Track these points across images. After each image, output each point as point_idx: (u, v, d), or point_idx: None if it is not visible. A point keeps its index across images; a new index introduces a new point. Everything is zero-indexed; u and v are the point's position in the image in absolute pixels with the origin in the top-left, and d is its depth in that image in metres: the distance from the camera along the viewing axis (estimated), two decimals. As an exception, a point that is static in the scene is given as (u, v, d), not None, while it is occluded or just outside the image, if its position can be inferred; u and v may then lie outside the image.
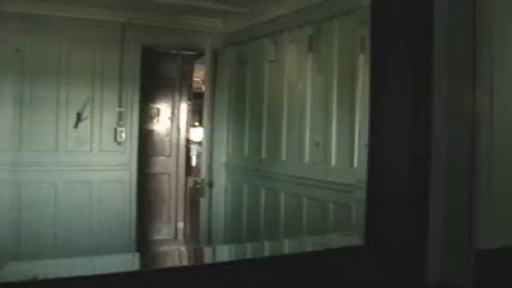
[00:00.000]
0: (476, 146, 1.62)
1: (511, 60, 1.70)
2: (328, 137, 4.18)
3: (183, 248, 5.85)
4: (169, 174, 6.62)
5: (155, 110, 6.53)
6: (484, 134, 1.62)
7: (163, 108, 6.53)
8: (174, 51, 6.36)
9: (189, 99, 6.76)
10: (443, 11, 1.65)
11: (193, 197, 5.81)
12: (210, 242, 5.49)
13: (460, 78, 1.67)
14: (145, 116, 6.15)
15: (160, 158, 6.55)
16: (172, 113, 6.59)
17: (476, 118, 1.63)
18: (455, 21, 1.66)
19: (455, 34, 1.67)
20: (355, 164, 3.79)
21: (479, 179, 1.62)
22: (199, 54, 6.23)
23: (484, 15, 1.63)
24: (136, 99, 5.40)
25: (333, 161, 4.14)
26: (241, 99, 5.39)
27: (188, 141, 6.82)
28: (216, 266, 1.56)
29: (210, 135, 5.42)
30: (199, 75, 7.13)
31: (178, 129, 6.66)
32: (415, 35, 1.64)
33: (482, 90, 1.63)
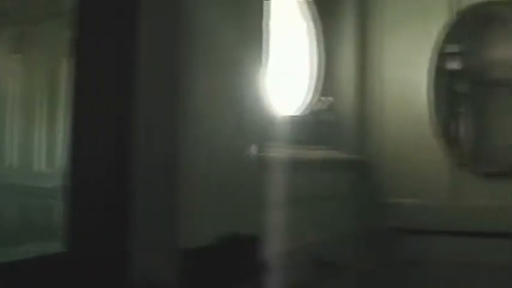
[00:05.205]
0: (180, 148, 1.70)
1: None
2: (31, 140, 3.95)
3: None
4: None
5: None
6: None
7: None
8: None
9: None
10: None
11: None
12: None
13: (163, 83, 1.73)
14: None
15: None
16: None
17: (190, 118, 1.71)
18: (160, 27, 1.72)
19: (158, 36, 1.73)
20: (58, 167, 3.68)
21: (183, 179, 1.70)
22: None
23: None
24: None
25: (36, 165, 3.94)
26: None
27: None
28: None
29: None
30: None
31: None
32: (121, 38, 1.65)
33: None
